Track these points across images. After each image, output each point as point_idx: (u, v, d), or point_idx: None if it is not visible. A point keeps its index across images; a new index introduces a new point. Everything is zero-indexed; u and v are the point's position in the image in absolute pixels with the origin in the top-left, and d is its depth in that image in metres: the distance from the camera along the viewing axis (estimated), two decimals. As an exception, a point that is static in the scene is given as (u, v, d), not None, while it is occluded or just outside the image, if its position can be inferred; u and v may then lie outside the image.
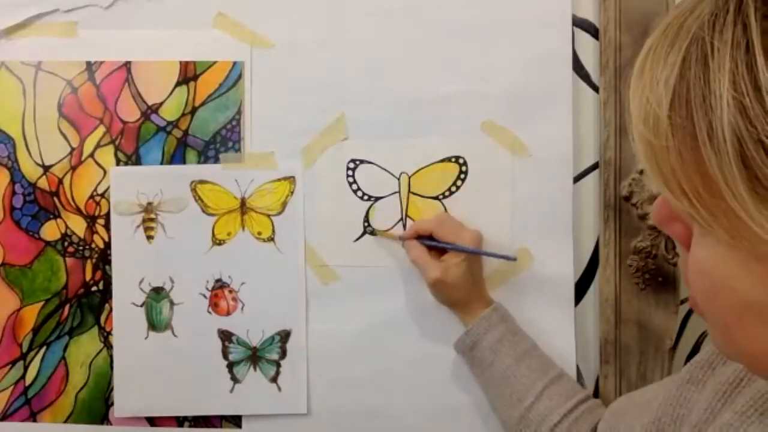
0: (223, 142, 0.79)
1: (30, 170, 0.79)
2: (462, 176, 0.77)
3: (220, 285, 0.79)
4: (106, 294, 0.80)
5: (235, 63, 0.78)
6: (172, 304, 0.79)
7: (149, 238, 0.79)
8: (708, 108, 0.32)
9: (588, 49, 0.76)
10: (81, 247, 0.80)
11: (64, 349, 0.80)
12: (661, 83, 0.34)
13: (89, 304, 0.80)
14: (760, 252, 0.34)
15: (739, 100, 0.31)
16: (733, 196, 0.32)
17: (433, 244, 0.73)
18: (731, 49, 0.32)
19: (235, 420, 0.80)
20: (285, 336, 0.79)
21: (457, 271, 0.71)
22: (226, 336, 0.79)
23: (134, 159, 0.79)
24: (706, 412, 0.51)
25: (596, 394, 0.76)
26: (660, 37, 0.36)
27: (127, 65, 0.79)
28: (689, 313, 0.76)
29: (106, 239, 0.79)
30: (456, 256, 0.72)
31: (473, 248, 0.72)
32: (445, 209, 0.77)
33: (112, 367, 0.80)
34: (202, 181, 0.79)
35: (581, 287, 0.77)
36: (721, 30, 0.33)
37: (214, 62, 0.78)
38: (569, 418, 0.68)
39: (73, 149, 0.79)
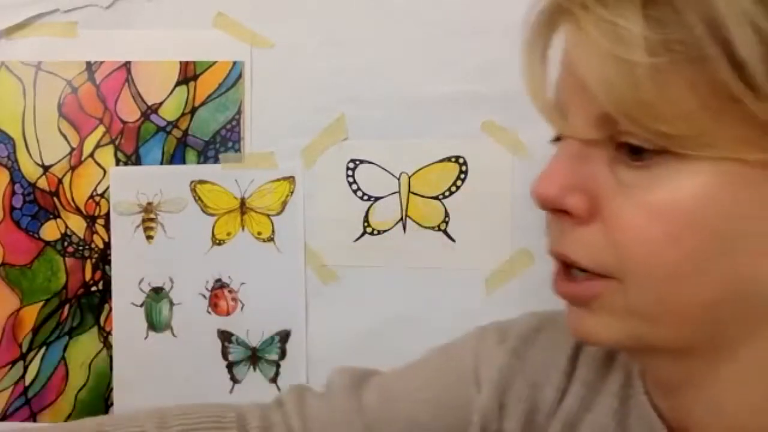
0: (223, 142, 0.79)
1: (30, 170, 0.79)
2: (462, 176, 0.77)
3: (219, 285, 0.79)
4: (106, 294, 0.80)
5: (235, 63, 0.78)
6: (171, 304, 0.79)
7: (149, 238, 0.79)
8: (711, 21, 0.32)
9: (588, 49, 0.76)
10: (81, 247, 0.80)
11: (64, 350, 0.80)
12: (628, 5, 0.34)
13: (89, 304, 0.80)
14: (750, 176, 0.33)
15: (748, 10, 0.31)
16: (757, 99, 0.32)
17: None
18: None
19: (235, 420, 0.80)
20: (285, 336, 0.79)
21: None
22: (225, 336, 0.79)
23: (134, 159, 0.79)
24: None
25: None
26: None
27: (127, 65, 0.79)
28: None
29: (106, 239, 0.79)
30: None
31: None
32: (445, 209, 0.77)
33: (111, 367, 0.80)
34: (202, 181, 0.79)
35: (581, 287, 0.77)
36: None
37: (214, 62, 0.78)
38: None
39: (73, 149, 0.79)
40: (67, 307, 0.80)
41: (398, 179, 0.77)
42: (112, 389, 0.80)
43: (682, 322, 0.36)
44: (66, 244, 0.80)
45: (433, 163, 0.77)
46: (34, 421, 0.80)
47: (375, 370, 0.55)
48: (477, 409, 0.49)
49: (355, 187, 0.78)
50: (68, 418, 0.80)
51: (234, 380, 0.79)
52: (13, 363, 0.80)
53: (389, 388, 0.52)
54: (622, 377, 0.46)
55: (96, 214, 0.80)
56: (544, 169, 0.38)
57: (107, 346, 0.80)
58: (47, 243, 0.80)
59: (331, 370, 0.55)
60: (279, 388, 0.79)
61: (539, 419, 0.48)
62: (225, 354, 0.79)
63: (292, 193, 0.78)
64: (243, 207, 0.79)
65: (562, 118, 0.39)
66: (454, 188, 0.77)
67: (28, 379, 0.80)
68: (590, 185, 0.37)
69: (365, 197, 0.78)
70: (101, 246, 0.80)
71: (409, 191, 0.77)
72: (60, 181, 0.79)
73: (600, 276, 0.37)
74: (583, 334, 0.40)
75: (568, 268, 0.39)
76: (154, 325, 0.79)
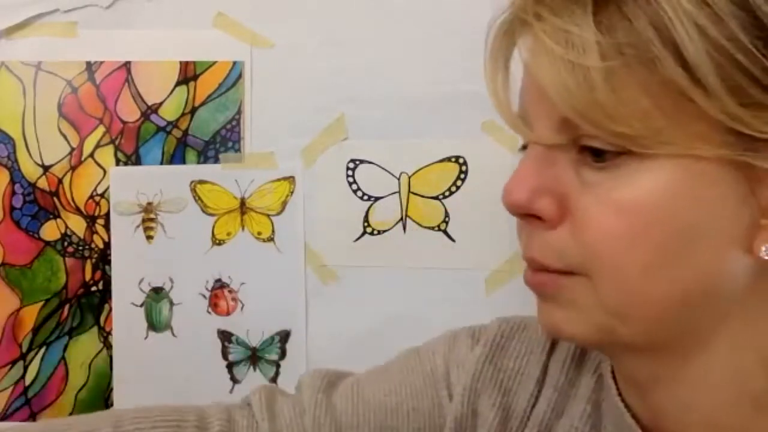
0: (223, 142, 0.79)
1: (30, 170, 0.79)
2: (462, 176, 0.77)
3: (219, 285, 0.79)
4: (106, 294, 0.80)
5: (235, 63, 0.78)
6: (171, 304, 0.79)
7: (149, 238, 0.79)
8: (659, 25, 0.34)
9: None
10: (81, 247, 0.80)
11: (64, 350, 0.80)
12: (580, 13, 0.35)
13: (89, 304, 0.80)
14: (709, 172, 0.34)
15: (692, 13, 0.33)
16: (706, 96, 0.33)
17: None
18: None
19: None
20: (284, 336, 0.79)
21: None
22: (225, 336, 0.79)
23: (134, 159, 0.79)
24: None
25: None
26: None
27: (127, 65, 0.79)
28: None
29: (106, 239, 0.79)
30: None
31: None
32: (445, 209, 0.77)
33: (111, 367, 0.80)
34: (201, 181, 0.79)
35: (581, 287, 0.77)
36: None
37: (214, 62, 0.78)
38: None
39: (72, 149, 0.79)
40: (67, 307, 0.80)
41: (398, 179, 0.77)
42: (112, 389, 0.80)
43: (651, 317, 0.37)
44: (66, 244, 0.80)
45: (433, 163, 0.77)
46: (34, 421, 0.80)
47: (348, 373, 0.54)
48: (450, 415, 0.49)
49: (355, 187, 0.78)
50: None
51: (234, 380, 0.79)
52: (13, 363, 0.80)
53: (360, 392, 0.51)
54: (593, 382, 0.47)
55: (96, 214, 0.80)
56: (511, 176, 0.39)
57: (107, 346, 0.80)
58: (47, 243, 0.80)
59: (300, 375, 0.54)
60: (279, 388, 0.79)
61: (513, 425, 0.48)
62: (225, 354, 0.79)
63: (292, 193, 0.78)
64: (243, 207, 0.79)
65: (527, 126, 0.40)
66: (454, 188, 0.77)
67: (28, 379, 0.80)
68: (557, 188, 0.38)
69: (365, 197, 0.78)
70: (101, 246, 0.80)
71: (409, 191, 0.77)
72: (60, 181, 0.79)
73: (568, 273, 0.38)
74: (553, 328, 0.40)
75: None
76: (154, 325, 0.79)
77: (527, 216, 0.39)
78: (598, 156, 0.36)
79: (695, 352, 0.38)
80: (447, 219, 0.77)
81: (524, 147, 0.42)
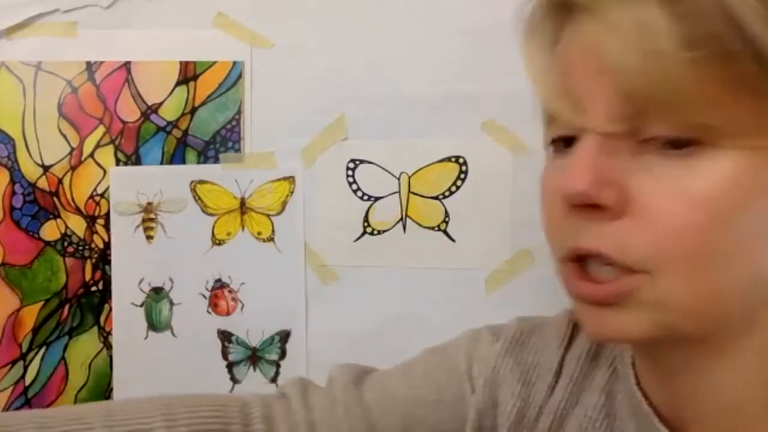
0: (223, 142, 0.79)
1: (30, 170, 0.79)
2: (462, 176, 0.77)
3: (219, 285, 0.79)
4: (106, 294, 0.80)
5: (235, 63, 0.78)
6: (171, 304, 0.79)
7: (149, 238, 0.79)
8: (732, 19, 0.33)
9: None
10: (81, 247, 0.80)
11: (64, 350, 0.80)
12: (653, 4, 0.34)
13: (89, 304, 0.80)
14: None
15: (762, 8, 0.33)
16: None
17: None
18: None
19: (235, 420, 0.80)
20: (285, 336, 0.79)
21: None
22: (225, 336, 0.79)
23: (134, 159, 0.79)
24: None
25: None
26: None
27: (127, 65, 0.79)
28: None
29: (106, 239, 0.79)
30: None
31: None
32: (445, 209, 0.77)
33: (111, 367, 0.80)
34: (201, 181, 0.79)
35: (581, 287, 0.77)
36: None
37: (214, 62, 0.78)
38: None
39: (73, 149, 0.79)
40: (67, 307, 0.80)
41: (398, 179, 0.77)
42: (112, 389, 0.80)
43: (715, 312, 0.37)
44: (66, 244, 0.80)
45: (433, 163, 0.77)
46: (34, 421, 0.80)
47: (373, 368, 0.56)
48: (472, 407, 0.51)
49: (355, 187, 0.78)
50: (68, 418, 0.80)
51: (234, 380, 0.79)
52: (13, 363, 0.80)
53: (388, 385, 0.53)
54: (608, 374, 0.48)
55: (96, 214, 0.80)
56: (571, 166, 0.37)
57: (107, 346, 0.80)
58: (47, 243, 0.80)
59: (330, 368, 0.56)
60: (279, 388, 0.79)
61: (530, 413, 0.50)
62: (225, 354, 0.79)
63: (292, 193, 0.78)
64: (243, 207, 0.79)
65: (580, 112, 0.38)
66: (454, 188, 0.77)
67: (28, 379, 0.80)
68: (618, 178, 0.37)
69: (365, 197, 0.78)
70: (101, 246, 0.80)
71: (409, 191, 0.77)
72: (60, 181, 0.79)
73: (629, 271, 0.37)
74: (607, 334, 0.39)
75: (584, 269, 0.39)
76: (154, 325, 0.79)
77: (586, 207, 0.37)
78: (667, 146, 0.36)
79: (733, 341, 0.39)
80: (447, 219, 0.77)
81: (560, 139, 0.41)
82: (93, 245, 0.80)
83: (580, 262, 0.39)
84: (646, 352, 0.44)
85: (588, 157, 0.37)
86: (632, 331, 0.38)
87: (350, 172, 0.78)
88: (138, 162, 0.79)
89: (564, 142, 0.40)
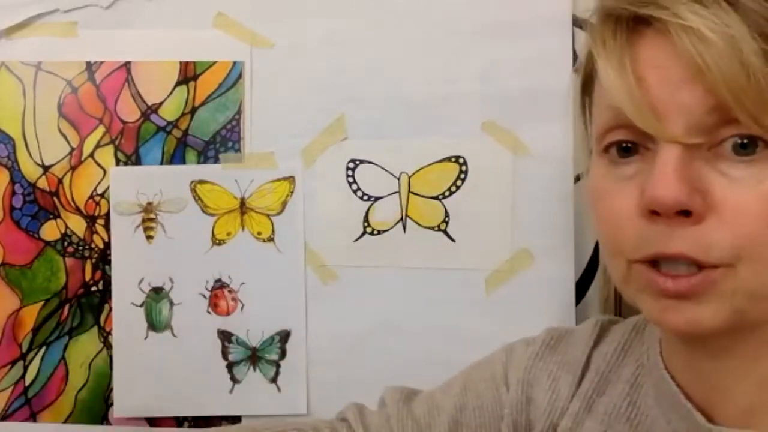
0: (223, 142, 0.79)
1: (30, 170, 0.79)
2: (462, 176, 0.77)
3: (219, 285, 0.79)
4: (106, 294, 0.80)
5: (235, 63, 0.78)
6: (171, 304, 0.79)
7: (149, 238, 0.79)
8: None
9: (588, 49, 0.76)
10: (81, 247, 0.80)
11: (64, 349, 0.80)
12: (722, 11, 0.38)
13: (89, 304, 0.80)
14: None
15: None
16: None
17: None
18: None
19: (235, 420, 0.80)
20: (285, 336, 0.79)
21: None
22: (225, 336, 0.79)
23: (134, 159, 0.79)
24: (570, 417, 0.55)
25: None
26: None
27: (127, 65, 0.79)
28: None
29: (106, 239, 0.79)
30: None
31: None
32: (445, 209, 0.77)
33: (111, 368, 0.80)
34: (201, 181, 0.79)
35: (582, 287, 0.77)
36: None
37: (214, 62, 0.78)
38: None
39: (73, 149, 0.79)
40: (67, 307, 0.80)
41: (398, 179, 0.77)
42: (112, 389, 0.80)
43: None
44: (66, 244, 0.80)
45: (433, 163, 0.77)
46: (34, 421, 0.80)
47: (419, 390, 0.64)
48: (507, 405, 0.57)
49: (355, 187, 0.78)
50: (68, 418, 0.80)
51: (234, 380, 0.79)
52: (13, 363, 0.80)
53: (433, 399, 0.61)
54: (634, 368, 0.53)
55: (96, 214, 0.80)
56: (657, 177, 0.40)
57: (107, 346, 0.80)
58: (47, 243, 0.80)
59: (383, 390, 0.64)
60: (279, 388, 0.79)
61: (560, 405, 0.55)
62: (225, 354, 0.79)
63: (292, 193, 0.78)
64: (243, 207, 0.79)
65: (660, 122, 0.41)
66: (454, 188, 0.77)
67: (28, 379, 0.80)
68: (700, 184, 0.40)
69: (365, 197, 0.78)
70: (101, 246, 0.80)
71: (409, 191, 0.77)
72: (60, 181, 0.79)
73: (712, 267, 0.40)
74: (688, 325, 0.42)
75: (658, 267, 0.42)
76: (154, 325, 0.79)
77: (675, 214, 0.40)
78: (739, 150, 0.39)
79: None
80: (447, 219, 0.77)
81: (618, 147, 0.44)
82: (93, 245, 0.80)
83: (652, 262, 0.42)
84: (689, 341, 0.47)
85: (675, 167, 0.40)
86: (712, 320, 0.41)
87: (350, 172, 0.78)
88: (138, 162, 0.79)
89: (622, 150, 0.43)
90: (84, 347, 0.80)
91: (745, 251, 0.40)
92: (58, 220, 0.80)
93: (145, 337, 0.79)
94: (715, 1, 0.39)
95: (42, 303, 0.80)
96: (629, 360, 0.54)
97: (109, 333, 0.80)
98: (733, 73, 0.38)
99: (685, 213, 0.40)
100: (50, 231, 0.80)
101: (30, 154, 0.79)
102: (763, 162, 0.39)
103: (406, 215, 0.77)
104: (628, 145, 0.43)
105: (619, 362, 0.54)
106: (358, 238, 0.78)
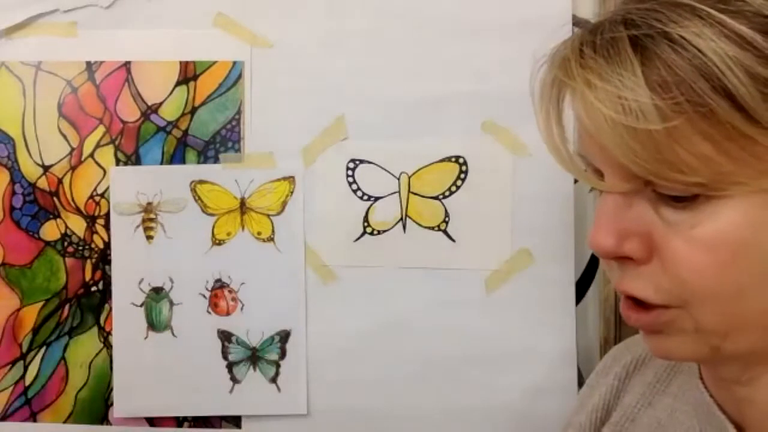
0: (223, 142, 0.79)
1: (30, 170, 0.79)
2: (462, 176, 0.77)
3: (219, 285, 0.79)
4: (106, 294, 0.80)
5: (235, 63, 0.78)
6: (171, 304, 0.79)
7: (149, 238, 0.79)
8: (708, 75, 0.35)
9: (588, 48, 0.76)
10: (81, 247, 0.80)
11: (64, 349, 0.80)
12: (629, 76, 0.36)
13: (89, 304, 0.80)
14: None
15: (737, 58, 0.35)
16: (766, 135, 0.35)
17: None
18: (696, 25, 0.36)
19: (235, 420, 0.80)
20: (284, 336, 0.79)
21: None
22: (225, 336, 0.79)
23: (134, 159, 0.79)
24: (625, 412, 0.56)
25: (596, 394, 0.76)
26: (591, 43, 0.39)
27: (127, 65, 0.79)
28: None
29: (106, 239, 0.79)
30: None
31: None
32: (445, 209, 0.77)
33: (111, 367, 0.80)
34: (201, 181, 0.79)
35: (582, 287, 0.77)
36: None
37: (214, 62, 0.78)
38: None
39: (72, 149, 0.79)
40: (67, 307, 0.80)
41: (398, 179, 0.77)
42: (112, 389, 0.80)
43: (751, 331, 0.40)
44: (66, 244, 0.80)
45: (433, 163, 0.77)
46: (34, 421, 0.80)
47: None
48: (598, 394, 0.59)
49: (355, 187, 0.78)
50: (68, 417, 0.80)
51: (234, 380, 0.79)
52: (13, 363, 0.80)
53: (570, 421, 0.62)
54: (681, 382, 0.52)
55: (96, 214, 0.80)
56: (594, 224, 0.41)
57: (107, 346, 0.80)
58: (47, 243, 0.80)
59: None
60: (279, 388, 0.79)
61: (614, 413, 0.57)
62: (225, 354, 0.79)
63: (292, 193, 0.78)
64: (243, 207, 0.79)
65: (598, 176, 0.42)
66: (454, 188, 0.77)
67: (28, 379, 0.80)
68: (640, 228, 0.40)
69: (365, 197, 0.78)
70: (101, 246, 0.80)
71: (409, 191, 0.77)
72: (60, 181, 0.79)
73: (665, 307, 0.40)
74: (663, 354, 0.44)
75: (633, 300, 0.42)
76: (154, 325, 0.79)
77: (617, 257, 0.41)
78: (675, 198, 0.38)
79: None
80: (447, 219, 0.77)
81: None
82: (93, 245, 0.80)
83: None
84: (710, 366, 0.47)
85: (607, 216, 0.40)
86: (681, 352, 0.42)
87: (350, 172, 0.78)
88: (138, 162, 0.79)
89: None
90: (84, 347, 0.80)
91: (688, 295, 0.39)
92: (58, 220, 0.80)
93: (145, 337, 0.79)
94: (623, 64, 0.37)
95: (42, 303, 0.80)
96: (679, 375, 0.54)
97: (109, 333, 0.80)
98: (625, 142, 0.37)
99: (629, 258, 0.40)
100: (50, 231, 0.80)
101: (30, 154, 0.79)
102: (697, 206, 0.38)
103: (406, 215, 0.77)
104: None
105: (668, 376, 0.55)
106: (358, 238, 0.78)
